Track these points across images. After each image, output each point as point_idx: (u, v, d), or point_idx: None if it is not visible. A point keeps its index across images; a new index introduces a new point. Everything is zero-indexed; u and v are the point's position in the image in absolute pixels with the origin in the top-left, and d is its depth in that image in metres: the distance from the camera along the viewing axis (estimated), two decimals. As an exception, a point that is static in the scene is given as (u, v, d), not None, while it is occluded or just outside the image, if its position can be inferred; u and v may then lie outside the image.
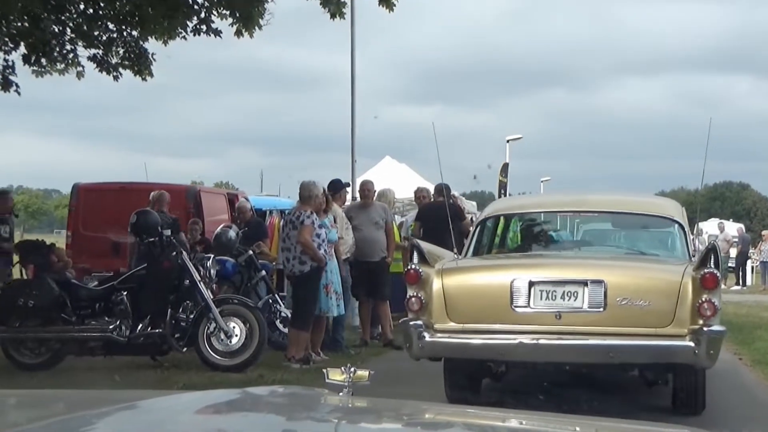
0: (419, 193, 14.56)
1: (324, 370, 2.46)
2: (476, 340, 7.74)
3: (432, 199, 13.92)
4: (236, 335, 10.19)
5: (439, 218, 12.43)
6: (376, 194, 13.34)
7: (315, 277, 10.59)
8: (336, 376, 2.42)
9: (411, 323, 7.86)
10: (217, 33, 11.99)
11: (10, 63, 12.63)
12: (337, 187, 12.26)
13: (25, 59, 12.51)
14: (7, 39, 12.32)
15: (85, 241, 15.16)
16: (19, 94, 12.55)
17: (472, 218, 22.43)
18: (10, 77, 12.64)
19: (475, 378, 8.62)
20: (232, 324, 10.21)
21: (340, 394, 2.36)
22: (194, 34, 11.83)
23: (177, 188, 15.81)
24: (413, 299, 7.90)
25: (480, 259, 8.83)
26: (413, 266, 8.01)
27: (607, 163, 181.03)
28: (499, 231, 9.91)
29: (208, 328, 10.16)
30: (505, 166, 28.96)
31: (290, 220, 10.75)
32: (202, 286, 10.19)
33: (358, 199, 13.72)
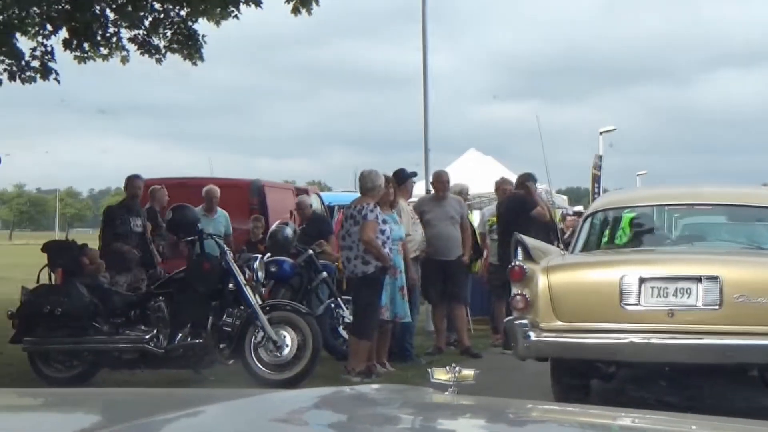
0: (501, 185, 12.83)
1: (428, 370, 2.44)
2: (584, 339, 7.54)
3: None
4: (287, 345, 8.97)
5: (514, 210, 11.54)
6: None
7: (379, 279, 9.37)
8: (441, 375, 2.39)
9: (516, 322, 7.67)
10: (258, 3, 10.79)
11: (49, 48, 11.64)
12: (402, 178, 10.85)
13: (66, 44, 11.53)
14: (46, 22, 11.32)
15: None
16: (58, 82, 11.53)
17: (563, 213, 21.41)
18: (49, 64, 11.64)
19: (584, 378, 8.41)
20: (283, 333, 8.99)
21: (446, 393, 2.32)
22: (233, 7, 10.67)
23: (240, 183, 14.92)
24: (518, 297, 7.71)
25: (587, 255, 8.50)
26: (518, 263, 7.83)
27: (702, 158, 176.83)
28: (607, 226, 9.31)
29: (256, 337, 8.97)
30: (599, 159, 27.74)
31: (351, 215, 9.50)
32: (248, 290, 9.00)
33: (432, 191, 12.34)
